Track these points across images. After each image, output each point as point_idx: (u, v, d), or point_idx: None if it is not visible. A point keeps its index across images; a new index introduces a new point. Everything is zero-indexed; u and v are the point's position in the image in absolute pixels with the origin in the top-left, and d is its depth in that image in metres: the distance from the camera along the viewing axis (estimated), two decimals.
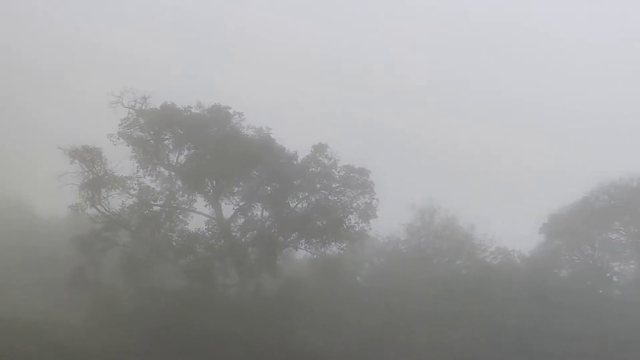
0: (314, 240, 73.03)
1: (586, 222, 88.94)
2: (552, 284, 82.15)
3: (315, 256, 75.43)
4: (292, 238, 74.17)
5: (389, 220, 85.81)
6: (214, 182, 71.95)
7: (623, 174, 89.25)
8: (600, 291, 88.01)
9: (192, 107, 72.59)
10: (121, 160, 68.33)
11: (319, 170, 75.59)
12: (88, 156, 66.82)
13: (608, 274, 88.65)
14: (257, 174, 72.92)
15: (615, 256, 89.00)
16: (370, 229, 76.66)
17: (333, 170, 75.85)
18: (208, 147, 70.57)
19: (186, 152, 71.93)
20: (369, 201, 75.80)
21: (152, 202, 70.26)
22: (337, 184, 75.95)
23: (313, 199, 75.36)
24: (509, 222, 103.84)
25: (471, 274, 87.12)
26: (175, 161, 72.11)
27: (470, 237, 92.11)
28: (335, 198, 75.37)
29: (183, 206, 71.47)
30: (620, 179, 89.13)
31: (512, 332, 72.52)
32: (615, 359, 70.21)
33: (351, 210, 75.21)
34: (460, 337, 71.35)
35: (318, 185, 75.42)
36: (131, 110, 70.33)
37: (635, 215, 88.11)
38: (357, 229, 74.64)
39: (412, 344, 71.63)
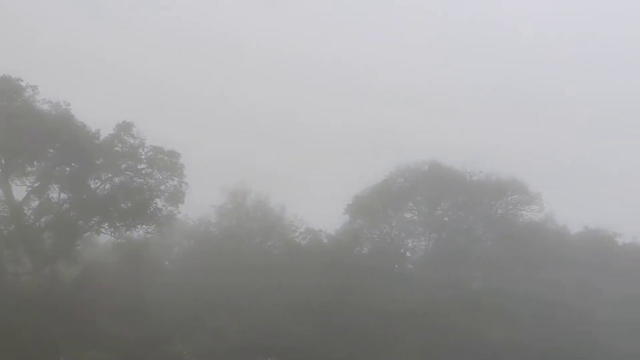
0: (117, 224, 69.86)
1: (385, 203, 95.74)
2: (353, 261, 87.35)
3: (119, 240, 72.21)
4: (93, 222, 70.24)
5: (200, 202, 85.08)
6: (3, 161, 65.54)
7: (417, 159, 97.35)
8: (397, 266, 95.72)
9: None
10: None
11: (124, 150, 72.02)
12: None
13: (402, 250, 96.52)
14: (53, 152, 67.64)
15: (409, 234, 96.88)
16: (179, 212, 75.09)
17: (140, 150, 72.72)
18: None
19: None
20: (178, 184, 73.90)
21: None
22: (144, 165, 73.06)
23: (117, 180, 71.87)
24: (319, 203, 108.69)
25: (281, 253, 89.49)
26: None
27: (281, 218, 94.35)
28: (142, 180, 72.46)
29: None
30: (414, 163, 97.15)
31: (317, 306, 76.50)
32: (405, 327, 76.82)
33: (159, 193, 72.86)
34: (271, 312, 73.70)
35: (123, 166, 71.91)
36: None
37: (426, 196, 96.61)
38: (164, 212, 72.57)
39: (220, 325, 72.31)
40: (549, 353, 76.71)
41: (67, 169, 68.57)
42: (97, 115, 73.47)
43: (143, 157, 72.77)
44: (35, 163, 67.33)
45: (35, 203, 68.08)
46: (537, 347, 76.18)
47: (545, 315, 78.81)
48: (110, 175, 71.47)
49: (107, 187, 71.23)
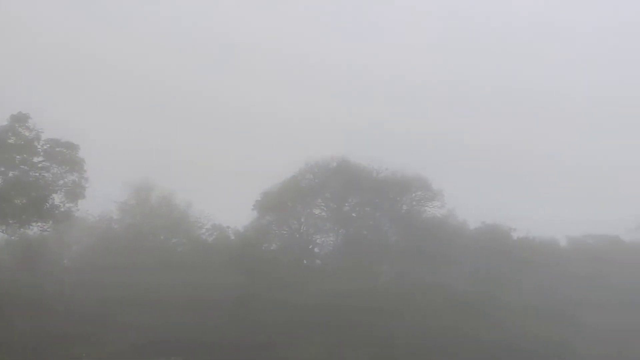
0: (10, 221, 65.65)
1: (294, 199, 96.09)
2: (262, 257, 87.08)
3: (13, 238, 68.00)
4: None
5: (102, 197, 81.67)
6: None
7: (325, 155, 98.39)
8: (305, 261, 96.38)
9: None
10: None
11: (18, 142, 67.80)
12: None
13: (311, 246, 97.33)
14: None
15: (317, 229, 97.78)
16: (78, 209, 71.53)
17: (35, 143, 68.71)
18: None
19: None
20: (77, 179, 70.39)
21: None
22: (41, 159, 69.11)
23: (11, 174, 67.55)
24: (227, 199, 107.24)
25: (187, 250, 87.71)
26: None
27: (186, 214, 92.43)
28: (37, 174, 68.52)
29: None
30: (323, 160, 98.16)
31: (226, 303, 75.71)
32: (314, 321, 77.43)
33: (56, 188, 69.16)
34: (178, 309, 72.26)
35: (17, 160, 67.67)
36: None
37: (334, 193, 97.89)
38: (62, 209, 68.97)
39: (124, 323, 70.02)
40: (455, 338, 79.44)
41: None
42: None
43: (39, 150, 68.82)
44: None
45: None
46: (442, 334, 78.65)
47: (444, 307, 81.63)
48: (3, 169, 67.06)
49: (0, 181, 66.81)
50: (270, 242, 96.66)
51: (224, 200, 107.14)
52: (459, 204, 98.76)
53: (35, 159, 68.63)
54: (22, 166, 68.00)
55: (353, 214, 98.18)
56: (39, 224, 67.11)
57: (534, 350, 77.95)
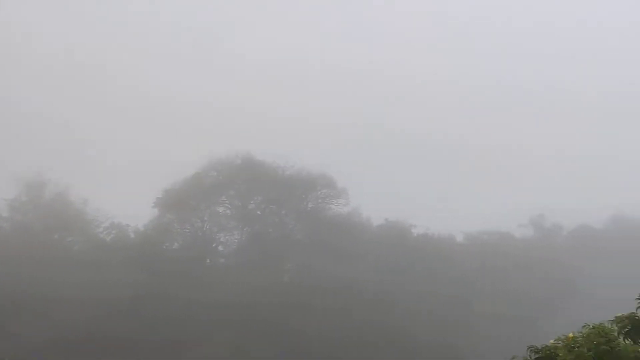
0: None
1: (196, 197, 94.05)
2: (163, 256, 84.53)
3: None
4: None
5: None
6: None
7: (229, 152, 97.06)
8: (208, 260, 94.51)
9: None
10: None
11: None
12: None
13: (214, 245, 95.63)
14: None
15: (221, 228, 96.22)
16: None
17: None
18: None
19: None
20: None
21: None
22: None
23: None
24: (126, 197, 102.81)
25: (84, 249, 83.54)
26: None
27: (83, 212, 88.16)
28: None
29: None
30: (227, 157, 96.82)
31: (125, 301, 72.80)
32: (216, 320, 75.94)
33: None
34: (75, 308, 68.74)
35: None
36: None
37: (239, 190, 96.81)
38: None
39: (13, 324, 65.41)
40: (357, 336, 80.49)
41: None
42: None
43: None
44: None
45: None
46: (347, 327, 79.37)
47: (350, 303, 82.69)
48: None
49: None
50: (172, 240, 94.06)
51: (123, 198, 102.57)
52: (363, 201, 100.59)
53: None
54: None
55: (258, 212, 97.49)
56: None
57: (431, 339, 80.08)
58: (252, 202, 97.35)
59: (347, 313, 79.13)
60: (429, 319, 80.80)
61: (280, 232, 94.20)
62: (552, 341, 13.49)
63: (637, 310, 13.13)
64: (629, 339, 12.94)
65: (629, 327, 13.00)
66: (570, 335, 13.33)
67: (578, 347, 12.63)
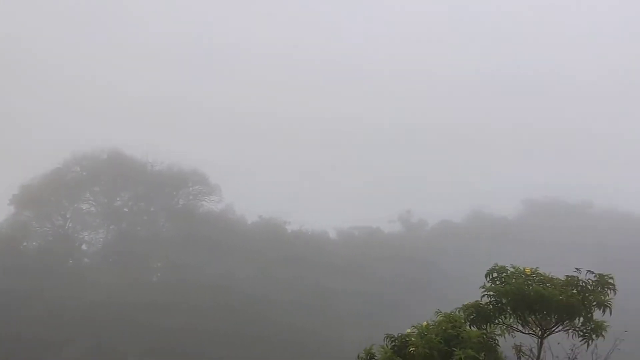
0: None
1: (57, 193, 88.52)
2: (23, 255, 78.74)
3: None
4: None
5: None
6: None
7: (95, 146, 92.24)
8: (71, 261, 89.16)
9: None
10: None
11: None
12: None
13: (77, 243, 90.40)
14: None
15: (85, 226, 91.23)
16: None
17: None
18: None
19: None
20: None
21: None
22: None
23: None
24: None
25: None
26: None
27: None
28: None
29: None
30: (93, 151, 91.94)
31: None
32: (80, 325, 71.91)
33: None
34: None
35: None
36: None
37: (105, 186, 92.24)
38: None
39: None
40: (230, 332, 79.44)
41: None
42: None
43: None
44: None
45: None
46: (218, 329, 78.16)
47: (224, 300, 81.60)
48: None
49: None
50: (29, 240, 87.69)
51: None
52: (237, 198, 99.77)
53: None
54: None
55: (125, 209, 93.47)
56: None
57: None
58: (118, 199, 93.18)
59: (221, 310, 77.99)
60: (303, 311, 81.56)
61: (150, 230, 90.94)
62: (408, 329, 14.02)
63: (481, 299, 13.95)
64: (474, 325, 13.73)
65: (474, 315, 13.79)
66: (425, 323, 13.91)
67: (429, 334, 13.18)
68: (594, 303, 13.61)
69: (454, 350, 12.58)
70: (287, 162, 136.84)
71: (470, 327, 13.62)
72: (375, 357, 13.77)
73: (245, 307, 78.93)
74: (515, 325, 14.37)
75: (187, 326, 74.18)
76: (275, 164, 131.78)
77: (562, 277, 14.14)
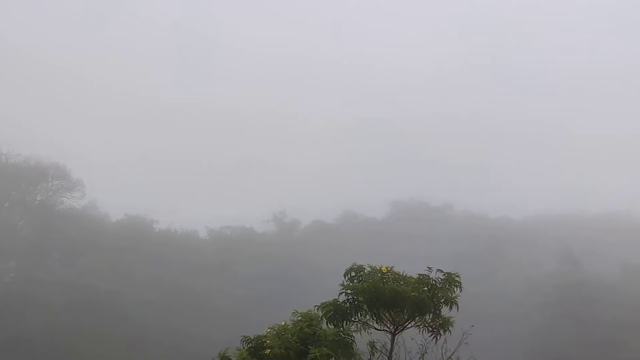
0: None
1: None
2: None
3: None
4: None
5: None
6: None
7: None
8: None
9: None
10: None
11: None
12: None
13: None
14: None
15: None
16: None
17: None
18: None
19: None
20: None
21: None
22: None
23: None
24: None
25: None
26: None
27: None
28: None
29: None
30: None
31: None
32: None
33: None
34: None
35: None
36: None
37: None
38: None
39: None
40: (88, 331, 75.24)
41: None
42: None
43: None
44: None
45: None
46: (76, 327, 73.75)
47: (81, 300, 77.20)
48: None
49: None
50: None
51: None
52: (100, 195, 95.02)
53: None
54: None
55: None
56: None
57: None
58: None
59: (77, 309, 73.72)
60: (168, 311, 79.31)
61: (3, 227, 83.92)
62: (267, 329, 13.89)
63: (339, 297, 14.17)
64: (332, 323, 13.92)
65: (332, 313, 13.98)
66: (283, 323, 13.87)
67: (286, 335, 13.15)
68: (442, 300, 14.30)
69: (310, 349, 12.65)
70: (158, 157, 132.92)
71: (327, 325, 13.79)
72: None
73: (105, 307, 75.26)
74: (370, 322, 14.76)
75: (42, 324, 69.47)
76: (144, 158, 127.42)
77: (416, 276, 14.74)
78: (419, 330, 15.08)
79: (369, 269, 14.62)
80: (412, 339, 15.43)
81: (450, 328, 14.61)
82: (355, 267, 14.63)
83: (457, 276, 14.63)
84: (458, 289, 14.65)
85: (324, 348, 12.56)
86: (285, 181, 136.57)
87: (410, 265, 15.96)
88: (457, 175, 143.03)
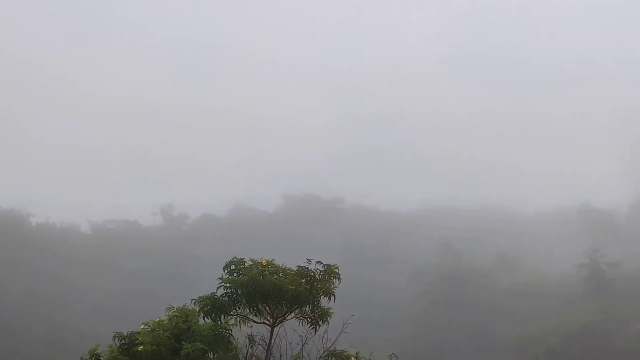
0: None
1: None
2: None
3: None
4: None
5: None
6: None
7: None
8: None
9: None
10: None
11: None
12: None
13: None
14: None
15: None
16: None
17: None
18: None
19: None
20: None
21: None
22: None
23: None
24: None
25: None
26: None
27: None
28: None
29: None
30: None
31: None
32: None
33: None
34: None
35: None
36: None
37: None
38: None
39: None
40: None
41: None
42: None
43: None
44: None
45: None
46: None
47: None
48: None
49: None
50: None
51: None
52: None
53: None
54: None
55: None
56: None
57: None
58: None
59: None
60: (45, 305, 75.25)
61: None
62: (142, 325, 13.32)
63: (217, 290, 13.87)
64: (209, 318, 13.58)
65: (209, 306, 13.65)
66: (157, 319, 13.35)
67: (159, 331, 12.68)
68: (321, 291, 14.37)
69: (184, 345, 12.28)
70: (33, 148, 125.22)
71: (204, 320, 13.44)
72: (102, 358, 12.83)
73: None
74: (250, 316, 14.57)
75: None
76: (21, 149, 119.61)
77: (295, 268, 14.71)
78: (299, 322, 15.10)
79: (249, 262, 14.42)
80: (294, 330, 15.45)
81: (329, 318, 14.73)
82: (235, 260, 14.38)
83: (336, 268, 14.74)
84: (337, 280, 14.78)
85: (198, 343, 12.22)
86: (174, 174, 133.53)
87: (301, 258, 15.94)
88: (349, 169, 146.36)
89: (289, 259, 15.31)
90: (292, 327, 15.68)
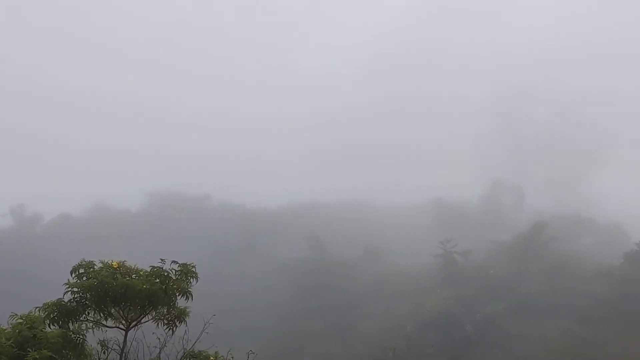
0: None
1: None
2: None
3: None
4: None
5: None
6: None
7: None
8: None
9: None
10: None
11: None
12: None
13: None
14: None
15: None
16: None
17: None
18: None
19: None
20: None
21: None
22: None
23: None
24: None
25: None
26: None
27: None
28: None
29: None
30: None
31: None
32: None
33: None
34: None
35: None
36: None
37: None
38: None
39: None
40: None
41: None
42: None
43: None
44: None
45: None
46: None
47: None
48: None
49: None
50: None
51: None
52: None
53: None
54: None
55: None
56: None
57: None
58: None
59: None
60: None
61: None
62: None
63: (63, 296, 13.32)
64: (57, 325, 13.03)
65: (56, 313, 13.09)
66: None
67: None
68: (177, 291, 14.26)
69: (29, 352, 11.72)
70: None
71: (51, 327, 12.87)
72: None
73: None
74: (103, 321, 14.12)
75: None
76: None
77: (149, 269, 14.45)
78: (157, 324, 14.86)
79: (100, 264, 13.97)
80: (153, 333, 15.17)
81: (186, 318, 14.65)
82: (84, 263, 13.86)
83: (193, 267, 14.68)
84: (194, 279, 14.73)
85: (45, 351, 11.71)
86: (26, 173, 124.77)
87: (167, 258, 15.55)
88: (215, 166, 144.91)
89: (154, 259, 14.99)
90: (151, 330, 15.38)
